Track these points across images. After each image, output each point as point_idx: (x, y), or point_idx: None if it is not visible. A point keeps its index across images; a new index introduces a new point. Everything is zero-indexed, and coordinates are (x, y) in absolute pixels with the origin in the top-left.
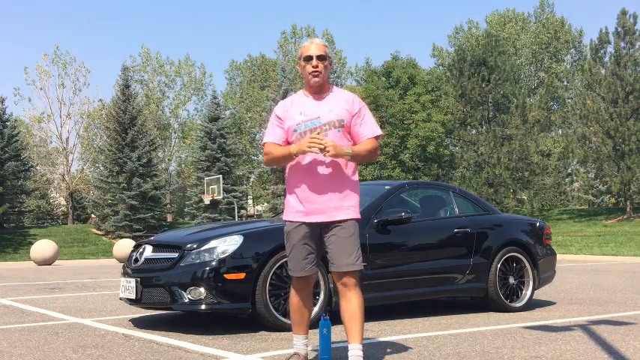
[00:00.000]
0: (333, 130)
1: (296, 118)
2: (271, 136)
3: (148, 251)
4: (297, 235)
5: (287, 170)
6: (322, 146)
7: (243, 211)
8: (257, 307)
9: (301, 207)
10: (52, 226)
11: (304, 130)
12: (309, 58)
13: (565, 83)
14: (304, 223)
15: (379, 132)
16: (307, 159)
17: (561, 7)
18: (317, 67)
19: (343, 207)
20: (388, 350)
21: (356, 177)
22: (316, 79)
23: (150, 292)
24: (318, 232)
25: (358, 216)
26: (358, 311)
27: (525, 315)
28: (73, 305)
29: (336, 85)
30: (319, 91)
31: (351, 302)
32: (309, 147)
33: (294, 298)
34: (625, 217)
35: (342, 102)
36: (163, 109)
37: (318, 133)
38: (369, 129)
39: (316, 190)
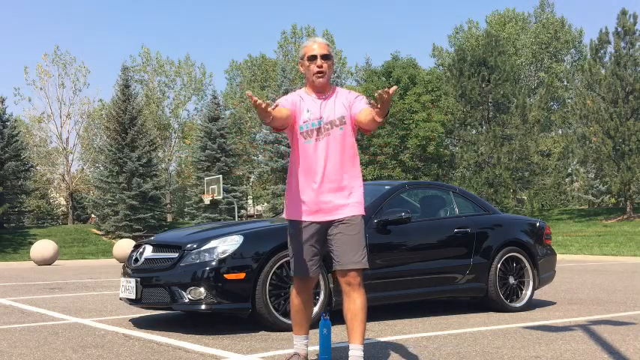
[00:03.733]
0: (335, 128)
1: (304, 115)
2: (283, 102)
3: (148, 251)
4: (304, 236)
5: (290, 167)
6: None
7: (243, 211)
8: (257, 307)
9: (306, 206)
10: (52, 226)
11: (310, 129)
12: (313, 58)
13: (565, 83)
14: (312, 222)
15: None
16: (312, 156)
17: (561, 7)
18: (322, 66)
19: (349, 204)
20: (388, 350)
21: (360, 173)
22: (321, 79)
23: (150, 292)
24: (324, 231)
25: (363, 212)
26: (361, 311)
27: (525, 315)
28: (73, 305)
29: (336, 85)
30: (322, 91)
31: (355, 302)
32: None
33: (295, 299)
34: (625, 217)
35: (342, 100)
36: (163, 109)
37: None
38: (366, 104)
39: (322, 187)
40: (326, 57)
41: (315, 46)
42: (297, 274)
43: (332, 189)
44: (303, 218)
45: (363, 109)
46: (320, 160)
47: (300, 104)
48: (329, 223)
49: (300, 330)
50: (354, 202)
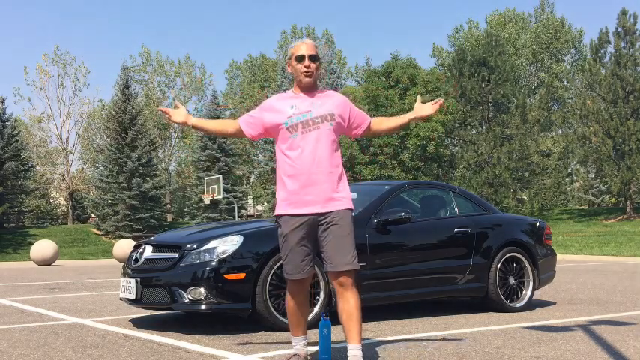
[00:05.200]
0: (325, 123)
1: (287, 111)
2: (246, 117)
3: (148, 251)
4: (295, 238)
5: (278, 167)
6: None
7: (243, 211)
8: (257, 307)
9: (295, 198)
10: (52, 226)
11: (295, 123)
12: (301, 58)
13: (565, 83)
14: (302, 222)
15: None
16: (299, 149)
17: (561, 7)
18: (309, 67)
19: (336, 198)
20: (388, 350)
21: (342, 167)
22: (308, 79)
23: (150, 292)
24: (314, 229)
25: (352, 206)
26: (356, 311)
27: (525, 315)
28: (73, 305)
29: (336, 85)
30: (310, 90)
31: (349, 302)
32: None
33: (290, 302)
34: (625, 217)
35: (331, 100)
36: None
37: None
38: (364, 115)
39: (310, 179)
40: (314, 58)
41: (304, 46)
42: (290, 276)
43: (321, 180)
44: (294, 211)
45: (377, 119)
46: (307, 153)
47: (277, 105)
48: (319, 219)
49: (297, 331)
50: (342, 197)
